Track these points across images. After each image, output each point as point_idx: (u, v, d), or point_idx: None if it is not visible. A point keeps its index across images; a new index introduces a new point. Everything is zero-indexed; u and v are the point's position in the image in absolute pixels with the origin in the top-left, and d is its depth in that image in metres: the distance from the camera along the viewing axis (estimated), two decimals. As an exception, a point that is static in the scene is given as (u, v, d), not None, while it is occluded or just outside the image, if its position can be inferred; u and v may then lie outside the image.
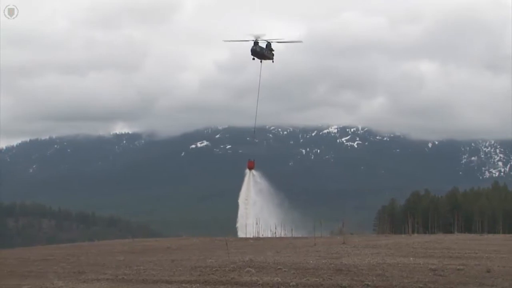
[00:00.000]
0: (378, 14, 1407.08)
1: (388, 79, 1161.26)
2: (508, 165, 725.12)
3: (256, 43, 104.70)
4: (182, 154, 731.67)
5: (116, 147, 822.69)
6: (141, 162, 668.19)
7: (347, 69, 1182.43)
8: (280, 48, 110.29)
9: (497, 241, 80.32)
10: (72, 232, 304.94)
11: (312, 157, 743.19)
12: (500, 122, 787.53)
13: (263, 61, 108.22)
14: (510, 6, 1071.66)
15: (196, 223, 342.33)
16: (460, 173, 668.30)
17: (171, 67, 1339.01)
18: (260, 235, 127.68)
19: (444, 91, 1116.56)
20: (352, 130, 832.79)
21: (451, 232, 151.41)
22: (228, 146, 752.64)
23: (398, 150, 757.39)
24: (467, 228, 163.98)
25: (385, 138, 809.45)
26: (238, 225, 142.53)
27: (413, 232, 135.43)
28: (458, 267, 39.19)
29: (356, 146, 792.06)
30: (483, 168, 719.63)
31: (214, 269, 38.84)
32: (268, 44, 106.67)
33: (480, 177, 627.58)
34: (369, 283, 32.02)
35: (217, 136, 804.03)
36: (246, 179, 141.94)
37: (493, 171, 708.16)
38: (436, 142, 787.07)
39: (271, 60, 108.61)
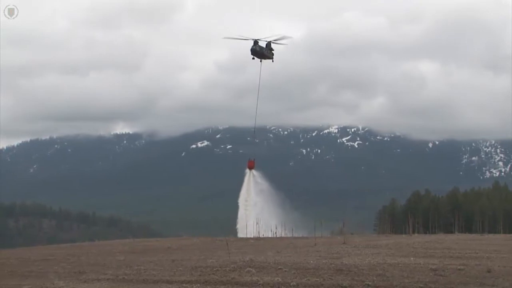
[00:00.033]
0: (378, 14, 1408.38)
1: (388, 79, 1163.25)
2: (509, 165, 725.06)
3: (256, 42, 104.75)
4: (183, 154, 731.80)
5: (117, 147, 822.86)
6: (142, 162, 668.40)
7: (347, 69, 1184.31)
8: (280, 48, 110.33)
9: (497, 241, 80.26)
10: (72, 232, 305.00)
11: (313, 157, 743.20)
12: (501, 122, 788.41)
13: (263, 60, 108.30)
14: (510, 6, 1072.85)
15: (197, 223, 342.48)
16: (461, 173, 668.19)
17: (172, 67, 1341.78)
18: (261, 235, 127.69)
19: (444, 91, 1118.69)
20: (352, 130, 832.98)
21: (451, 232, 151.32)
22: (229, 146, 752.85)
23: (398, 150, 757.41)
24: (468, 228, 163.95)
25: (385, 138, 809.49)
26: (238, 226, 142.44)
27: (413, 232, 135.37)
28: (459, 267, 39.17)
29: (356, 146, 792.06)
30: (483, 168, 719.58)
31: (214, 269, 38.84)
32: (268, 44, 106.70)
33: (481, 177, 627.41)
34: (370, 283, 32.01)
35: (218, 136, 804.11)
36: (246, 179, 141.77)
37: (494, 171, 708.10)
38: (437, 142, 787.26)
39: (271, 60, 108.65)
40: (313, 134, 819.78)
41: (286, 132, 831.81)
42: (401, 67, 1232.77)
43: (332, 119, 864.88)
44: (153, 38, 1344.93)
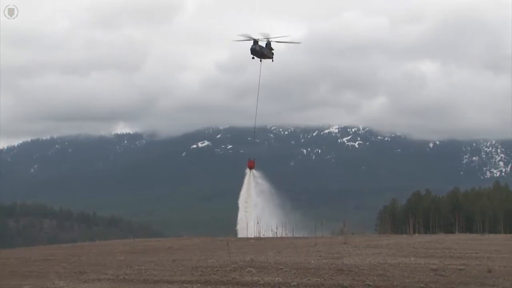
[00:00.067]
0: (378, 14, 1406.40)
1: (389, 79, 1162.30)
2: (509, 165, 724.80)
3: (255, 42, 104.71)
4: (183, 154, 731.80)
5: (117, 147, 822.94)
6: (142, 162, 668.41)
7: (348, 69, 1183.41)
8: (280, 48, 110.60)
9: (498, 241, 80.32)
10: (73, 232, 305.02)
11: (313, 157, 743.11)
12: (501, 122, 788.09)
13: (263, 60, 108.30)
14: (510, 6, 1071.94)
15: (197, 223, 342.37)
16: (461, 173, 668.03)
17: (172, 67, 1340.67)
18: (261, 235, 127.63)
19: (445, 91, 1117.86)
20: (353, 130, 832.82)
21: (452, 232, 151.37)
22: (229, 146, 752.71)
23: (399, 150, 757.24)
24: (468, 228, 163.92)
25: (386, 138, 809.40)
26: (238, 227, 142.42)
27: (414, 232, 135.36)
28: (459, 267, 39.19)
29: (357, 146, 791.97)
30: (484, 168, 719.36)
31: (215, 269, 38.85)
32: (268, 43, 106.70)
33: (481, 177, 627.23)
34: (370, 283, 32.02)
35: (218, 136, 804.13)
36: (246, 179, 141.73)
37: (494, 171, 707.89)
38: (437, 142, 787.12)
39: (271, 59, 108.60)
40: (314, 134, 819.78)
41: (286, 132, 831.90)
42: (402, 67, 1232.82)
43: (332, 119, 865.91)
44: (153, 38, 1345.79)
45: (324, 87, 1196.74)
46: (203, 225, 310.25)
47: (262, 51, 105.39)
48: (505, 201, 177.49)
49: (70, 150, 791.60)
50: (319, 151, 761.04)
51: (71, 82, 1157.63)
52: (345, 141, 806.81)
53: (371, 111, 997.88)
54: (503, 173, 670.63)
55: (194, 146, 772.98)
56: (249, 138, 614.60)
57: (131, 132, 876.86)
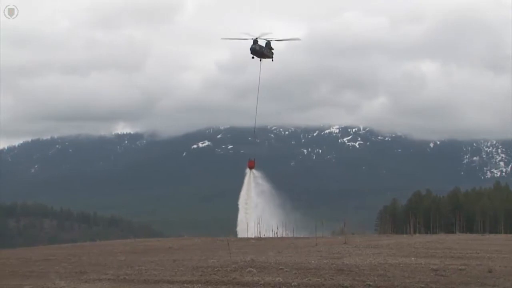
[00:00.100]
0: (378, 14, 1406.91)
1: (389, 79, 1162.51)
2: (510, 165, 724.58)
3: (255, 41, 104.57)
4: (184, 154, 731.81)
5: (118, 147, 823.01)
6: (143, 162, 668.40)
7: (348, 69, 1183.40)
8: (281, 48, 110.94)
9: (498, 241, 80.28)
10: (73, 232, 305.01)
11: (314, 157, 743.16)
12: (502, 122, 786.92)
13: (262, 60, 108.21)
14: (510, 6, 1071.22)
15: (198, 223, 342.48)
16: (462, 173, 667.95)
17: (172, 67, 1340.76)
18: (262, 235, 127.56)
19: (445, 91, 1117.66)
20: (353, 130, 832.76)
21: (452, 232, 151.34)
22: (230, 146, 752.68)
23: (399, 150, 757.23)
24: (469, 228, 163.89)
25: (386, 138, 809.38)
26: (238, 229, 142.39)
27: (414, 232, 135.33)
28: (460, 267, 39.18)
29: (357, 146, 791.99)
30: (484, 168, 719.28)
31: (215, 269, 38.85)
32: (268, 43, 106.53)
33: (482, 177, 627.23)
34: (371, 283, 32.02)
35: (219, 136, 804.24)
36: (246, 179, 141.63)
37: (495, 171, 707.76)
38: (438, 142, 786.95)
39: (271, 59, 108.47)
40: (314, 134, 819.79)
41: (287, 132, 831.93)
42: (402, 67, 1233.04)
43: (333, 119, 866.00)
44: (154, 38, 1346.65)
45: (325, 87, 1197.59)
46: (204, 225, 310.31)
47: (262, 51, 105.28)
48: (505, 201, 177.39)
49: (70, 150, 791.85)
50: (320, 151, 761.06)
51: (71, 82, 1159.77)
52: (346, 141, 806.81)
53: (372, 111, 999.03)
54: (503, 173, 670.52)
55: (195, 146, 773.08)
56: (249, 138, 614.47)
57: (131, 132, 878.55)
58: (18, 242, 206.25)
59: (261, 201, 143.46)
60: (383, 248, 59.68)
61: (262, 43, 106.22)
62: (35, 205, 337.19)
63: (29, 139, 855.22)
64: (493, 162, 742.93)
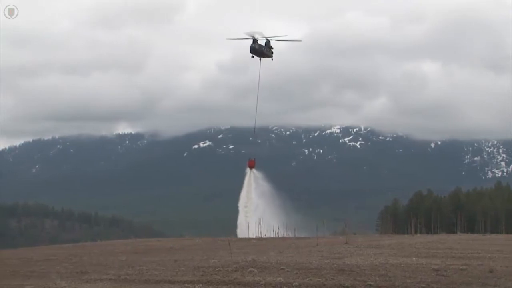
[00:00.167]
0: (379, 14, 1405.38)
1: (390, 79, 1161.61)
2: (511, 165, 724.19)
3: (255, 41, 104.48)
4: (185, 154, 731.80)
5: (119, 147, 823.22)
6: (144, 162, 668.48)
7: (349, 69, 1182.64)
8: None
9: (499, 241, 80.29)
10: (74, 232, 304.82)
11: (315, 157, 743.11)
12: (503, 122, 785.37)
13: (262, 59, 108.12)
14: (510, 6, 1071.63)
15: (199, 223, 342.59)
16: (463, 173, 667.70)
17: (173, 67, 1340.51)
18: (263, 235, 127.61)
19: (446, 91, 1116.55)
20: (354, 130, 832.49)
21: (453, 232, 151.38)
22: (231, 146, 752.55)
23: (400, 150, 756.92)
24: (470, 228, 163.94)
25: (387, 138, 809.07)
26: (238, 230, 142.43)
27: (415, 232, 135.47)
28: (461, 267, 39.17)
29: (358, 146, 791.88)
30: (485, 168, 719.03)
31: (216, 269, 38.85)
32: (267, 42, 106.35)
33: (483, 177, 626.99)
34: (372, 283, 32.01)
35: (220, 136, 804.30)
36: (246, 180, 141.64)
37: (496, 171, 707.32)
38: (439, 142, 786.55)
39: (271, 58, 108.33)
40: (315, 134, 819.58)
41: (288, 132, 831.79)
42: (403, 67, 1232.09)
43: (334, 119, 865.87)
44: (154, 38, 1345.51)
45: (326, 87, 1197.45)
46: (205, 225, 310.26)
47: (261, 50, 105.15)
48: (506, 201, 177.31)
49: (71, 150, 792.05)
50: (321, 151, 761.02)
51: (72, 82, 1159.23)
52: (347, 141, 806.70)
53: (373, 111, 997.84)
54: (504, 173, 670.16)
55: (196, 146, 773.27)
56: (250, 138, 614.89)
57: (132, 132, 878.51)
58: (19, 242, 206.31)
59: (262, 202, 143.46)
60: (384, 248, 59.68)
61: (262, 42, 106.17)
62: (36, 205, 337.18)
63: (30, 139, 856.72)
64: (494, 162, 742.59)
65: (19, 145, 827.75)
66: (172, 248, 70.37)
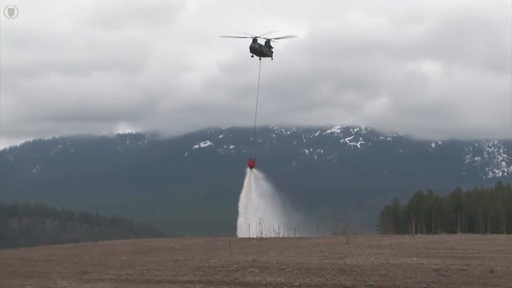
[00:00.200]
0: (379, 14, 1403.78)
1: (390, 79, 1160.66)
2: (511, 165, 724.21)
3: (255, 40, 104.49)
4: (185, 154, 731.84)
5: (119, 147, 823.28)
6: (144, 162, 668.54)
7: (349, 69, 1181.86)
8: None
9: (500, 241, 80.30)
10: (75, 232, 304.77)
11: (315, 157, 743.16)
12: (503, 122, 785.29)
13: (262, 58, 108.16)
14: (511, 6, 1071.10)
15: (199, 223, 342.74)
16: (463, 173, 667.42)
17: (174, 67, 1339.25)
18: (263, 235, 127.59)
19: (446, 91, 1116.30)
20: (355, 130, 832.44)
21: (454, 232, 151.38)
22: (231, 146, 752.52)
23: (401, 150, 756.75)
24: (470, 228, 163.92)
25: (388, 138, 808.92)
26: (238, 232, 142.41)
27: (416, 232, 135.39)
28: (462, 267, 39.18)
29: (359, 146, 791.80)
30: (486, 168, 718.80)
31: (217, 269, 38.87)
32: (267, 42, 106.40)
33: (484, 177, 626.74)
34: (372, 283, 32.02)
35: (220, 136, 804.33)
36: (246, 180, 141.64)
37: (497, 171, 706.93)
38: (439, 142, 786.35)
39: (270, 58, 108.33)
40: (316, 134, 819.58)
41: (288, 132, 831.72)
42: (403, 67, 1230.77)
43: (334, 119, 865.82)
44: (155, 38, 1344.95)
45: (326, 87, 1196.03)
46: (205, 225, 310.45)
47: (261, 49, 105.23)
48: (507, 201, 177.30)
49: (72, 150, 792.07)
50: (321, 151, 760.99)
51: (72, 82, 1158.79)
52: (347, 141, 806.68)
53: (373, 111, 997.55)
54: (505, 173, 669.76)
55: (196, 146, 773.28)
56: (251, 138, 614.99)
57: (133, 132, 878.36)
58: (20, 242, 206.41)
59: (262, 202, 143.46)
60: (384, 248, 59.70)
61: (262, 42, 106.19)
62: (36, 205, 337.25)
63: (30, 139, 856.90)
64: (495, 162, 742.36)
65: (20, 145, 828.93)
66: (173, 248, 70.41)
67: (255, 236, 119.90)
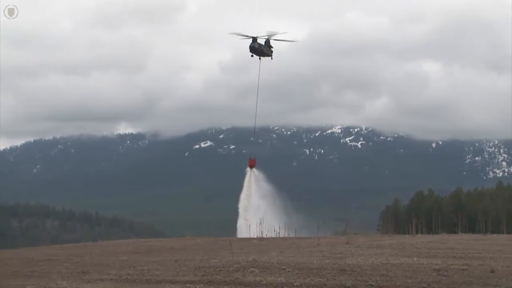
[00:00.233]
0: (379, 14, 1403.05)
1: (391, 79, 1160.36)
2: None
3: (254, 40, 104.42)
4: (186, 154, 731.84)
5: (120, 147, 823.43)
6: (145, 162, 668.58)
7: (350, 69, 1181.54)
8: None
9: (501, 241, 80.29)
10: (75, 232, 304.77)
11: (316, 157, 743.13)
12: (504, 122, 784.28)
13: (262, 58, 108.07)
14: (511, 6, 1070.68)
15: (200, 223, 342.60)
16: (464, 173, 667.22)
17: (174, 67, 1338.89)
18: (264, 235, 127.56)
19: (447, 91, 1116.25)
20: (355, 130, 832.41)
21: (454, 232, 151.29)
22: (232, 146, 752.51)
23: (401, 150, 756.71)
24: (471, 228, 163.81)
25: (388, 138, 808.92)
26: (238, 233, 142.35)
27: (416, 232, 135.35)
28: (462, 267, 39.17)
29: (359, 146, 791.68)
30: (487, 168, 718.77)
31: (218, 269, 38.87)
32: (267, 41, 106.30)
33: (484, 177, 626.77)
34: (373, 283, 32.02)
35: (221, 136, 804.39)
36: (246, 180, 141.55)
37: (497, 171, 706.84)
38: (440, 142, 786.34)
39: (270, 57, 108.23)
40: (316, 134, 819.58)
41: (289, 132, 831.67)
42: (404, 67, 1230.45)
43: (335, 119, 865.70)
44: (155, 38, 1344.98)
45: (326, 87, 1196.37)
46: (206, 225, 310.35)
47: (261, 49, 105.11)
48: (508, 201, 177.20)
49: (72, 150, 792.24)
50: (322, 151, 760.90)
51: (73, 82, 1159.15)
52: (348, 141, 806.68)
53: (374, 111, 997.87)
54: (505, 173, 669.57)
55: (197, 146, 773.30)
56: (251, 138, 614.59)
57: (133, 132, 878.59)
58: (20, 242, 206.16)
59: (262, 203, 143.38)
60: (385, 248, 59.69)
61: (262, 41, 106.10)
62: (37, 205, 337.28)
63: (31, 139, 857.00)
64: (495, 162, 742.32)
65: (20, 145, 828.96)
66: (173, 248, 70.41)
67: (255, 236, 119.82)
